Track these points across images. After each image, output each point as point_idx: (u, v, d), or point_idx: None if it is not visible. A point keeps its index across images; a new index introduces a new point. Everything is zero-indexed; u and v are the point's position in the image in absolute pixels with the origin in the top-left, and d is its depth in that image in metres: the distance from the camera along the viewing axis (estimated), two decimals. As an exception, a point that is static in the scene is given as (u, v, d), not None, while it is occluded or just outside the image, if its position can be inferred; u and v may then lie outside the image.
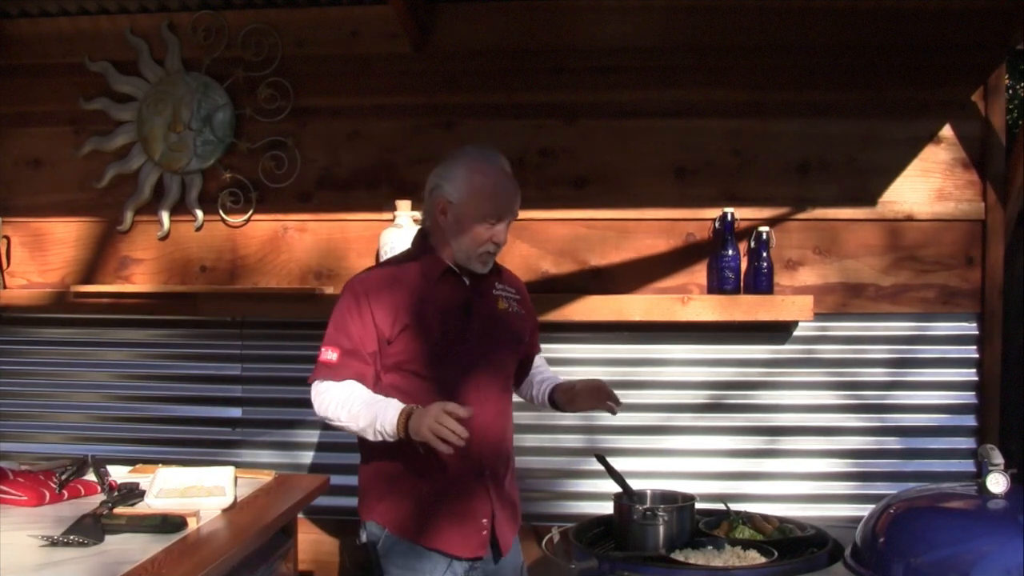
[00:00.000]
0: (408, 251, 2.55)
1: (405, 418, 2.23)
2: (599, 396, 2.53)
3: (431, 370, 2.36)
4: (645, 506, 2.55)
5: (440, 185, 2.42)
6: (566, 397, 2.57)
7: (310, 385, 2.38)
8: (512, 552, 2.49)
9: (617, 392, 3.40)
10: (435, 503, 2.36)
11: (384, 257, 3.37)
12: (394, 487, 2.39)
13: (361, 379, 2.34)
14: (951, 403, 3.41)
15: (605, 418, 3.44)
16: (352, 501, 3.52)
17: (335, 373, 2.34)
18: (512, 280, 2.63)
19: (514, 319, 2.53)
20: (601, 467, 2.64)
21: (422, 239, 2.50)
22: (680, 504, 2.54)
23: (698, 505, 2.57)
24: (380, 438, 2.27)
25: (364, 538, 2.41)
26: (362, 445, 2.44)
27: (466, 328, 2.40)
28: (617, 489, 2.60)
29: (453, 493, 2.37)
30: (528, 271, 3.51)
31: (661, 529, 2.46)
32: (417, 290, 2.39)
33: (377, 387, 2.38)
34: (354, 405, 2.30)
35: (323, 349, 2.37)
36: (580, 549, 2.48)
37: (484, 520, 2.39)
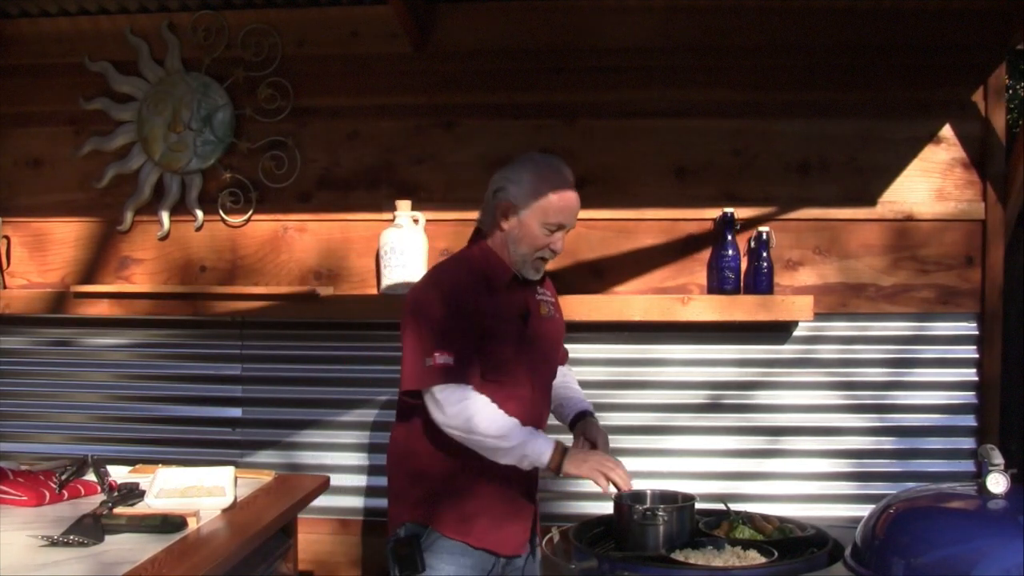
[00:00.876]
0: (469, 251, 2.52)
1: (560, 455, 2.31)
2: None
3: (495, 375, 2.39)
4: (645, 506, 2.55)
5: (505, 188, 2.42)
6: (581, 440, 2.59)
7: (416, 391, 2.35)
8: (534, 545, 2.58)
9: (617, 392, 3.45)
10: (483, 504, 2.40)
11: (384, 257, 3.37)
12: (441, 489, 2.40)
13: (476, 382, 2.35)
14: (951, 403, 3.41)
15: (604, 418, 3.44)
16: (352, 501, 3.54)
17: (455, 376, 2.30)
18: (547, 285, 2.66)
19: (554, 325, 2.60)
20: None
21: (479, 238, 2.51)
22: (680, 504, 2.54)
23: (698, 505, 2.57)
24: (514, 463, 2.32)
25: (402, 533, 2.41)
26: (394, 448, 2.48)
27: (524, 335, 2.45)
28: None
29: (499, 495, 2.42)
30: (528, 271, 3.51)
31: (661, 529, 2.45)
32: (486, 296, 2.41)
33: None
34: (510, 427, 2.31)
35: (436, 353, 2.30)
36: (580, 549, 2.47)
37: (527, 521, 2.48)
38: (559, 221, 2.41)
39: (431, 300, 2.37)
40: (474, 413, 2.29)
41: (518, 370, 2.43)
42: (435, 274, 2.50)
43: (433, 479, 2.41)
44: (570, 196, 2.45)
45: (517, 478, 2.42)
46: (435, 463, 2.41)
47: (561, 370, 2.72)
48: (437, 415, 2.31)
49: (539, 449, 2.30)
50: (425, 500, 2.41)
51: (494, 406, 2.33)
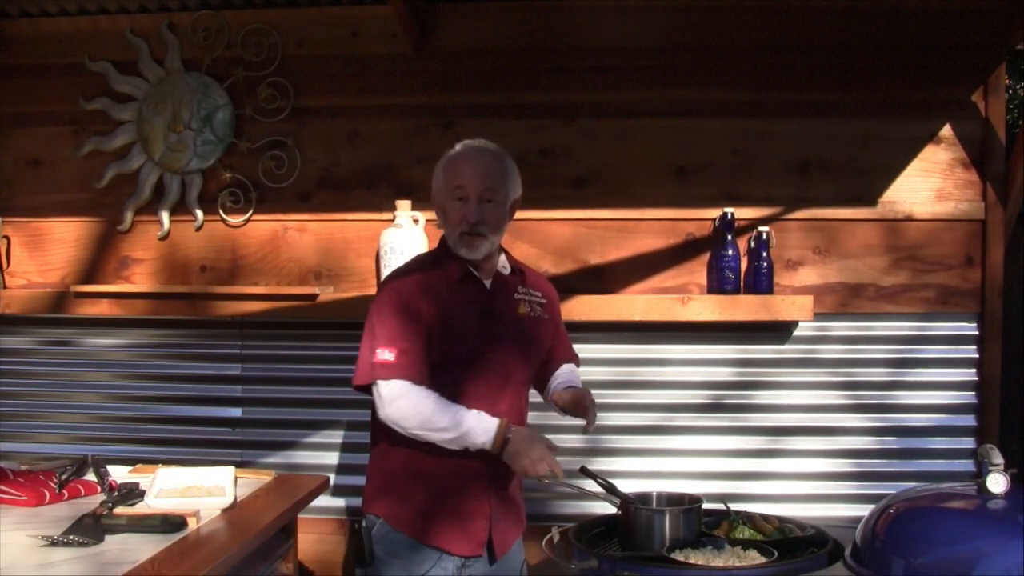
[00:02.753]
0: (430, 252, 2.58)
1: (503, 439, 2.30)
2: (580, 406, 2.54)
3: (447, 372, 2.37)
4: (651, 507, 2.55)
5: (433, 184, 2.47)
6: (563, 401, 2.59)
7: (357, 388, 2.38)
8: (512, 554, 2.49)
9: (617, 392, 3.45)
10: (435, 501, 2.37)
11: (384, 257, 3.37)
12: (397, 483, 2.40)
13: (423, 378, 2.34)
14: (951, 403, 3.41)
15: (605, 418, 3.45)
16: (353, 501, 3.53)
17: (397, 372, 2.32)
18: (540, 285, 2.62)
19: (535, 324, 2.53)
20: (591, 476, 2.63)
21: (442, 241, 2.51)
22: (687, 506, 2.54)
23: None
24: (464, 447, 2.31)
25: (364, 524, 2.42)
26: (375, 440, 2.47)
27: (484, 332, 2.41)
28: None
29: (453, 493, 2.38)
30: (528, 271, 3.51)
31: (668, 531, 2.46)
32: (442, 293, 2.40)
33: None
34: (453, 416, 2.31)
35: (377, 351, 2.33)
36: (580, 549, 2.48)
37: (483, 522, 2.39)
38: (456, 183, 2.38)
39: (380, 299, 2.42)
40: (412, 406, 2.31)
41: (478, 367, 2.39)
42: (390, 274, 2.55)
43: (390, 473, 2.42)
44: (467, 158, 2.42)
45: (465, 477, 2.38)
46: (391, 457, 2.42)
47: (568, 367, 2.70)
48: (380, 410, 2.34)
49: (480, 437, 2.29)
50: (382, 493, 2.41)
51: (433, 397, 2.31)
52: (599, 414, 3.31)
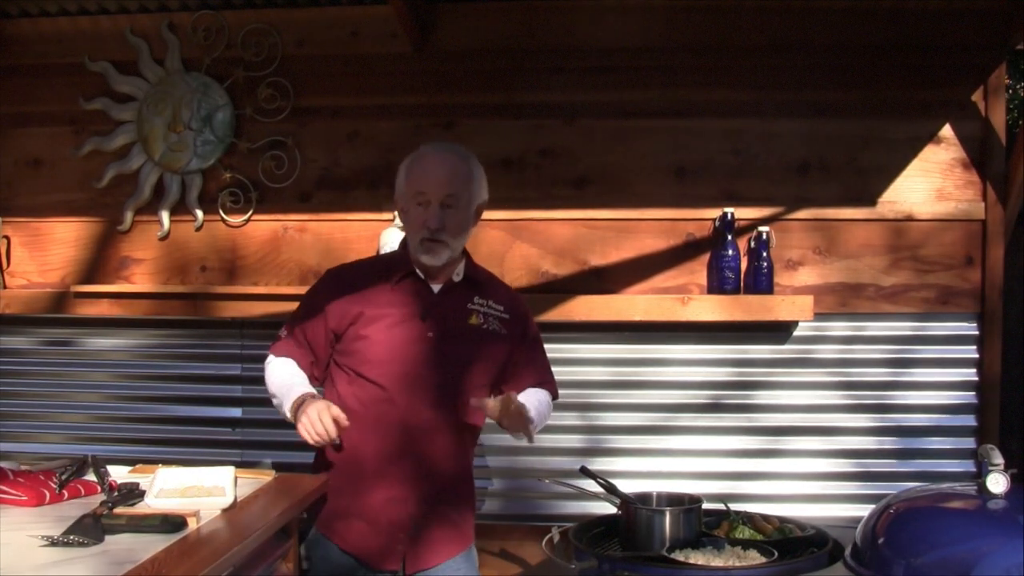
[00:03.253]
0: (391, 252, 2.56)
1: (298, 406, 2.26)
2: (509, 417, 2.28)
3: (371, 370, 2.32)
4: (651, 507, 2.55)
5: (396, 186, 2.43)
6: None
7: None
8: (444, 572, 2.39)
9: (617, 392, 3.45)
10: (354, 509, 2.34)
11: (384, 257, 3.38)
12: (328, 485, 2.36)
13: (295, 359, 2.40)
14: (951, 403, 3.41)
15: (604, 418, 3.46)
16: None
17: (278, 351, 2.42)
18: (505, 298, 2.48)
19: (485, 336, 2.40)
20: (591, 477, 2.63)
21: (403, 242, 2.48)
22: (687, 506, 2.54)
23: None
24: (289, 419, 2.31)
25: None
26: None
27: (419, 335, 2.33)
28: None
29: (374, 500, 2.33)
30: (528, 271, 3.51)
31: (668, 531, 2.46)
32: (376, 290, 2.36)
33: (324, 380, 2.44)
34: (276, 382, 2.37)
35: (283, 327, 2.45)
36: (580, 549, 2.48)
37: (400, 534, 2.33)
38: (418, 188, 2.32)
39: (315, 283, 2.49)
40: (267, 375, 2.41)
41: (397, 371, 2.31)
42: (343, 263, 2.58)
43: (324, 473, 2.40)
44: (431, 161, 2.35)
45: (381, 489, 2.32)
46: (319, 464, 2.42)
47: (532, 393, 2.47)
48: None
49: (288, 404, 2.28)
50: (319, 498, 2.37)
51: (279, 368, 2.38)
52: (597, 414, 3.32)
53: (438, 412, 2.34)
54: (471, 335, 2.39)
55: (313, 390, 2.35)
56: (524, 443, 2.38)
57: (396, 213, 2.51)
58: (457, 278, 2.41)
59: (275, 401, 2.38)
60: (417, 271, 2.38)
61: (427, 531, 2.36)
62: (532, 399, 2.42)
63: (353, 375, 2.35)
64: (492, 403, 2.26)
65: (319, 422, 2.19)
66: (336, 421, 2.20)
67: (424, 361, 2.33)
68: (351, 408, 2.31)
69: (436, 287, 2.39)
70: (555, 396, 2.60)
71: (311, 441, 2.22)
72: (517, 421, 2.27)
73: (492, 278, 2.55)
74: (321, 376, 2.44)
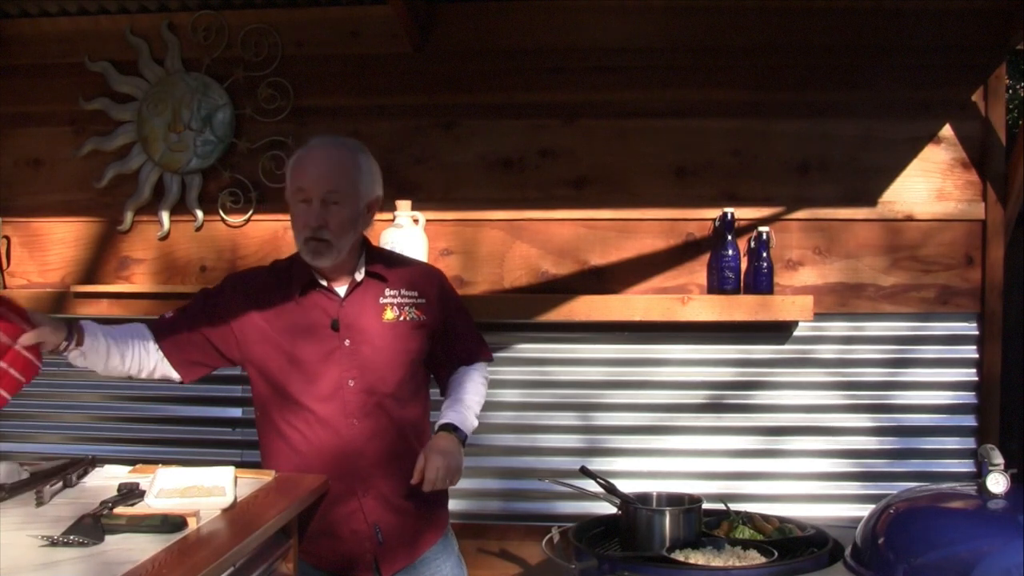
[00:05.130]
0: (285, 259, 2.42)
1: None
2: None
3: (296, 389, 2.26)
4: (651, 507, 2.55)
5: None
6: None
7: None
8: (417, 569, 2.37)
9: (617, 392, 3.46)
10: (318, 526, 2.28)
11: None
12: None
13: (158, 336, 2.31)
14: (951, 403, 3.41)
15: (603, 418, 3.46)
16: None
17: (154, 324, 2.32)
18: (415, 281, 2.38)
19: (404, 328, 2.33)
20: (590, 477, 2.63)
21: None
22: (687, 506, 2.54)
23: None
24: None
25: None
26: None
27: (334, 345, 2.27)
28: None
29: (331, 517, 2.29)
30: (528, 271, 3.51)
31: (668, 531, 2.46)
32: (283, 305, 2.28)
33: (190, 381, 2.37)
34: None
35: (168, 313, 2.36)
36: (580, 549, 2.48)
37: (366, 543, 2.30)
38: (297, 186, 2.23)
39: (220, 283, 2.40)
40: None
41: (322, 386, 2.25)
42: (245, 270, 2.49)
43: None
44: (306, 155, 2.26)
45: (346, 495, 2.27)
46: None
47: (463, 372, 2.45)
48: None
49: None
50: None
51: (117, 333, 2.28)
52: (597, 414, 3.32)
53: (370, 419, 2.29)
54: (389, 332, 2.31)
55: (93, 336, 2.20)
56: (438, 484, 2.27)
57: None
58: (360, 276, 2.32)
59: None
60: (317, 278, 2.29)
61: (395, 532, 2.32)
62: (470, 393, 2.40)
63: (280, 400, 2.29)
64: (420, 472, 2.22)
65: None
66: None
67: (346, 369, 2.27)
68: (285, 434, 2.29)
69: (341, 290, 2.31)
70: (489, 360, 2.54)
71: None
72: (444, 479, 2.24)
73: (397, 263, 2.43)
74: (189, 378, 2.36)
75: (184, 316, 2.34)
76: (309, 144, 2.30)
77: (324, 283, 2.30)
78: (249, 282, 2.37)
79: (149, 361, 2.31)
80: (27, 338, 2.08)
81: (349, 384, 2.27)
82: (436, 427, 2.37)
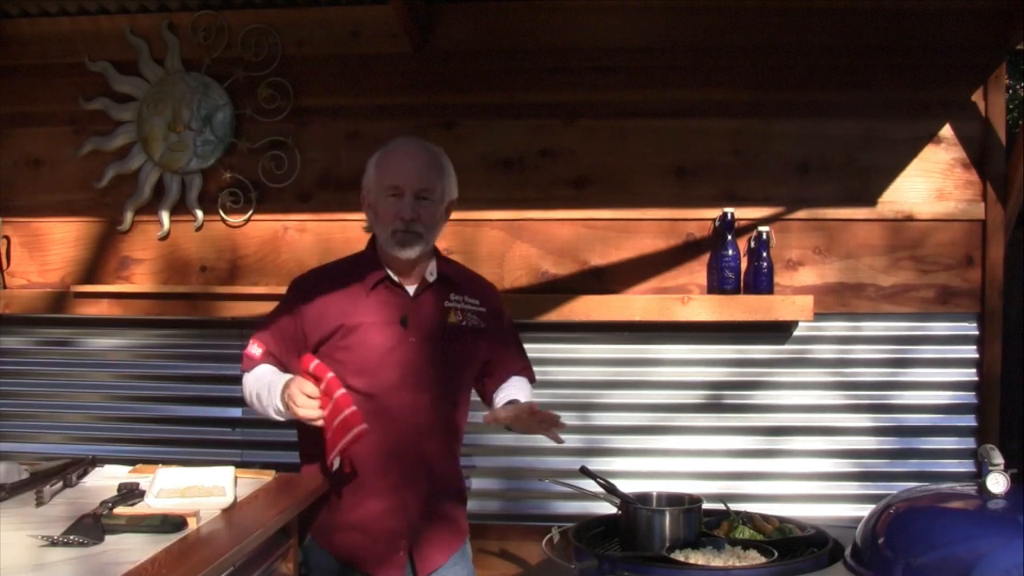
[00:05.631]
0: (354, 255, 2.49)
1: (282, 391, 2.22)
2: (537, 421, 2.31)
3: (356, 380, 2.29)
4: (651, 507, 2.55)
5: (363, 182, 2.41)
6: (502, 418, 2.33)
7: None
8: (447, 571, 2.40)
9: (617, 392, 3.45)
10: (351, 519, 2.31)
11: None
12: (319, 498, 2.35)
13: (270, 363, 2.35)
14: (951, 403, 3.41)
15: (604, 418, 3.46)
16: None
17: (253, 366, 2.36)
18: (479, 291, 2.49)
19: (465, 333, 2.40)
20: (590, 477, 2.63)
21: (370, 242, 2.46)
22: (687, 506, 2.54)
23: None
24: (284, 417, 2.27)
25: (308, 539, 2.39)
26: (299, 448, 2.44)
27: (400, 341, 2.31)
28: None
29: (368, 511, 2.31)
30: (528, 271, 3.51)
31: (668, 531, 2.46)
32: (352, 297, 2.33)
33: None
34: (260, 389, 2.29)
35: (251, 341, 2.37)
36: (580, 549, 2.48)
37: (402, 541, 2.32)
38: (391, 182, 2.31)
39: (284, 294, 2.42)
40: (247, 393, 2.34)
41: (382, 379, 2.30)
42: (312, 269, 2.53)
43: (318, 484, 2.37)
44: (402, 154, 2.34)
45: (377, 496, 2.30)
46: (311, 466, 2.39)
47: (515, 380, 2.52)
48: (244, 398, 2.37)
49: (276, 396, 2.23)
50: (313, 507, 2.33)
51: (258, 375, 2.31)
52: (597, 414, 3.32)
53: (427, 416, 2.33)
54: (451, 334, 2.38)
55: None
56: (553, 444, 2.36)
57: (364, 209, 2.44)
58: (431, 278, 2.39)
59: (261, 404, 2.30)
60: (391, 275, 2.34)
61: (427, 535, 2.35)
62: (524, 393, 2.44)
63: (346, 387, 2.30)
64: (505, 414, 2.26)
65: (301, 394, 2.16)
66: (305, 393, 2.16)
67: (408, 366, 2.31)
68: None
69: (411, 289, 2.36)
70: (533, 381, 2.60)
71: (307, 415, 2.16)
72: (543, 423, 2.28)
73: (463, 271, 2.52)
74: None
75: (272, 351, 2.37)
76: (395, 143, 2.39)
77: (397, 280, 2.34)
78: (316, 281, 2.43)
79: None
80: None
81: (412, 379, 2.32)
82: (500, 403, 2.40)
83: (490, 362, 2.49)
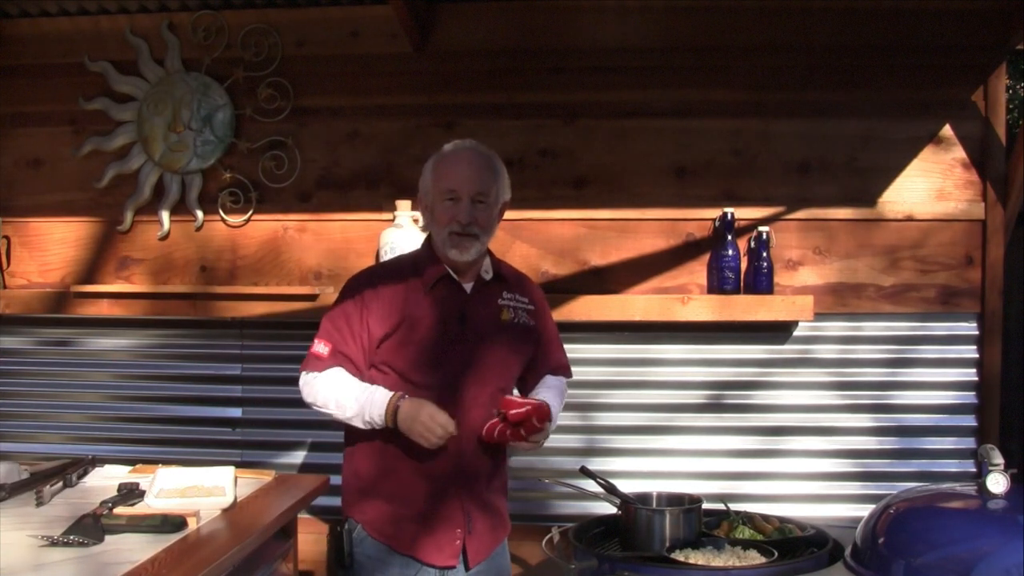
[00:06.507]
0: (412, 252, 2.54)
1: (394, 409, 2.26)
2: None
3: (416, 374, 2.34)
4: (651, 507, 2.55)
5: (420, 184, 2.45)
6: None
7: (300, 374, 2.40)
8: (492, 560, 2.45)
9: (617, 392, 3.46)
10: (407, 509, 2.34)
11: (384, 257, 3.37)
12: (371, 488, 2.37)
13: (395, 386, 2.35)
14: (951, 403, 3.41)
15: (604, 418, 3.46)
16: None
17: (323, 366, 2.36)
18: (528, 290, 2.56)
19: (519, 331, 2.46)
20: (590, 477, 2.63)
21: (426, 241, 2.50)
22: (687, 506, 2.54)
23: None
24: (369, 426, 2.29)
25: (346, 527, 2.41)
26: (345, 443, 2.45)
27: (458, 337, 2.36)
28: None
29: (425, 501, 2.34)
30: (528, 271, 3.48)
31: (668, 531, 2.46)
32: (412, 293, 2.37)
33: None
34: (341, 394, 2.31)
35: (316, 341, 2.38)
36: (580, 549, 2.48)
37: (458, 530, 2.36)
38: (448, 186, 2.35)
39: (344, 288, 2.44)
40: (316, 391, 2.34)
41: (441, 374, 2.34)
42: (369, 267, 2.54)
43: (362, 476, 2.40)
44: (460, 159, 2.39)
45: (437, 485, 2.34)
46: (367, 460, 2.40)
47: (552, 380, 2.58)
48: (301, 391, 2.38)
49: (377, 406, 2.27)
50: (359, 496, 2.39)
51: (334, 379, 2.33)
52: (597, 414, 3.33)
53: (481, 410, 2.38)
54: (505, 331, 2.44)
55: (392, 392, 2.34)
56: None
57: (421, 210, 2.48)
58: (487, 276, 2.45)
59: (344, 413, 2.32)
60: (450, 272, 2.40)
61: (481, 524, 2.40)
62: (553, 396, 2.49)
63: (398, 379, 2.35)
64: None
65: (436, 424, 2.22)
66: (444, 426, 2.23)
67: (466, 361, 2.37)
68: None
69: (468, 286, 2.43)
70: (570, 376, 2.66)
71: (431, 445, 2.23)
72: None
73: (514, 271, 2.59)
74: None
75: (340, 348, 2.38)
76: (452, 148, 2.43)
77: (455, 277, 2.40)
78: (377, 278, 2.44)
79: None
80: None
81: (468, 373, 2.36)
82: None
83: (533, 359, 2.56)
